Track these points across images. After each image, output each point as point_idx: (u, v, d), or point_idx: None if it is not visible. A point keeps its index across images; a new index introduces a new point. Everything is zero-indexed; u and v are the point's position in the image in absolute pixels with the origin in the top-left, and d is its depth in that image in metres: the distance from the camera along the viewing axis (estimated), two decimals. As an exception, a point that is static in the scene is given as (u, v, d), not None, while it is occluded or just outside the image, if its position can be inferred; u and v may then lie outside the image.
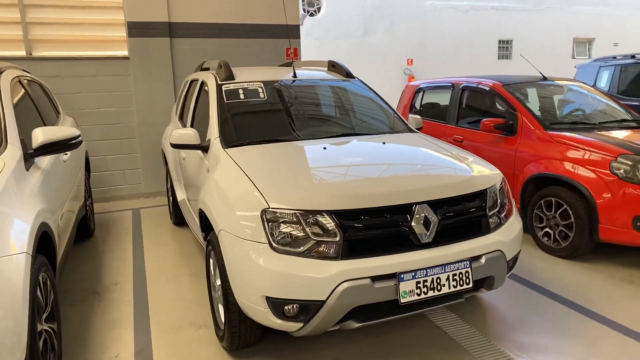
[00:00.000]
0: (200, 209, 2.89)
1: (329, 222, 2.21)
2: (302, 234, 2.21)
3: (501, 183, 2.74)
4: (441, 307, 2.61)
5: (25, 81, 3.72)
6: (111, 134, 6.27)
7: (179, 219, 5.01)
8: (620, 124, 4.46)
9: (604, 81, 6.74)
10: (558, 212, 3.94)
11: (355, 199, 2.26)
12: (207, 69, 4.77)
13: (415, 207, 2.31)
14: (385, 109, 3.83)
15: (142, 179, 6.47)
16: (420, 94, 6.12)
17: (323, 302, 2.15)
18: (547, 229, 4.07)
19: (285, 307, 2.20)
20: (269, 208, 2.26)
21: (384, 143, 3.06)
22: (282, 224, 2.23)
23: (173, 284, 3.71)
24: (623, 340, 2.78)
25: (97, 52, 6.12)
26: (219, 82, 3.61)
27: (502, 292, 3.40)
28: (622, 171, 3.56)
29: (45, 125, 3.65)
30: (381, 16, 14.51)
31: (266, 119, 3.48)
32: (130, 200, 6.37)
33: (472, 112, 5.20)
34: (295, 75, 3.84)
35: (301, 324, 2.24)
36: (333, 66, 4.27)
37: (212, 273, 2.81)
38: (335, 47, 12.59)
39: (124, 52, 6.25)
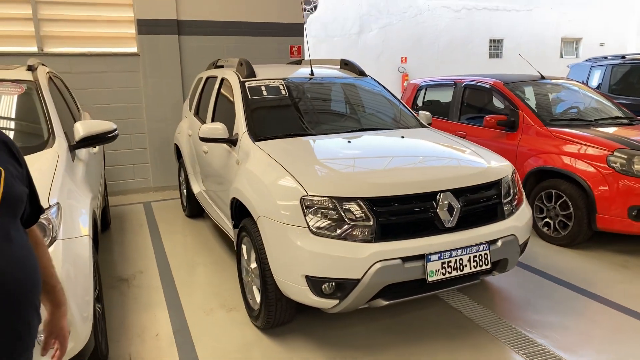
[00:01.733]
0: (233, 198, 3.08)
1: (363, 208, 2.43)
2: (338, 218, 2.42)
3: (512, 174, 2.98)
4: (457, 287, 2.84)
5: (53, 77, 3.87)
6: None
7: (193, 211, 5.19)
8: (614, 121, 4.75)
9: (595, 80, 7.06)
10: (558, 203, 4.21)
11: (386, 187, 2.48)
12: (222, 66, 4.95)
13: (439, 195, 2.54)
14: (398, 106, 4.05)
15: (150, 173, 6.61)
16: (422, 92, 6.36)
17: (358, 280, 2.37)
18: (547, 219, 4.34)
19: (323, 285, 2.42)
20: (307, 195, 2.47)
21: (402, 137, 3.28)
22: (319, 210, 2.44)
23: (197, 271, 3.89)
24: (620, 316, 3.05)
25: (107, 49, 6.24)
26: (242, 80, 3.80)
27: (508, 277, 3.65)
28: (618, 164, 3.84)
29: (74, 119, 3.81)
30: (376, 15, 14.76)
31: (289, 115, 3.67)
32: (139, 194, 6.51)
33: (474, 109, 5.46)
34: (312, 73, 4.04)
35: (337, 301, 2.45)
36: (345, 64, 4.48)
37: (245, 257, 3.01)
38: (331, 45, 12.82)
39: (134, 49, 6.38)
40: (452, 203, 2.55)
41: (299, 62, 5.37)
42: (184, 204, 5.44)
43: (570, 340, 2.78)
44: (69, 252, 2.03)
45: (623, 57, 6.71)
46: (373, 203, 2.44)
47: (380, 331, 2.91)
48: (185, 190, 5.24)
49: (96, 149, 3.85)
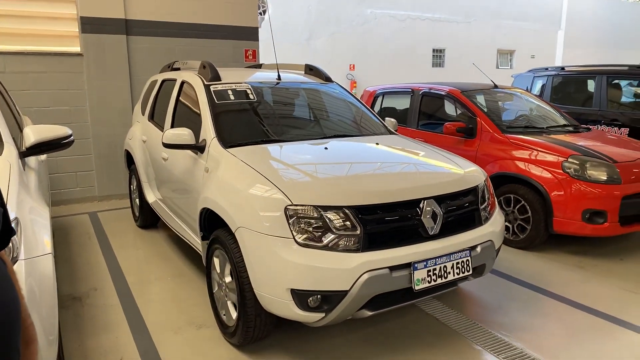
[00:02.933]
0: (204, 208, 2.91)
1: (349, 217, 2.36)
2: (324, 228, 2.34)
3: (485, 180, 3.04)
4: (438, 294, 2.83)
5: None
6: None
7: (146, 221, 4.89)
8: (563, 128, 5.02)
9: (537, 89, 7.46)
10: (516, 208, 4.37)
11: (373, 195, 2.43)
12: (178, 69, 4.72)
13: (423, 202, 2.52)
14: (366, 112, 4.04)
15: (95, 181, 6.19)
16: (380, 99, 6.43)
17: (346, 292, 2.29)
18: (506, 223, 4.49)
19: (309, 299, 2.31)
20: (292, 205, 2.36)
21: (377, 144, 3.25)
22: (305, 220, 2.34)
23: (157, 285, 3.65)
24: (582, 315, 3.19)
25: (47, 47, 5.78)
26: (206, 83, 3.62)
27: (474, 280, 3.72)
28: (572, 170, 4.04)
29: (18, 124, 3.46)
30: (325, 23, 14.85)
31: (258, 120, 3.54)
32: (83, 203, 6.07)
33: (431, 116, 5.57)
34: (279, 78, 3.93)
35: (323, 314, 2.36)
36: (310, 70, 4.41)
37: (218, 271, 2.84)
38: (280, 50, 12.72)
39: (77, 49, 5.95)
40: (435, 210, 2.55)
41: (258, 66, 5.23)
42: (135, 214, 5.12)
43: (542, 341, 2.85)
44: (33, 273, 1.79)
45: (562, 68, 7.15)
46: (360, 211, 2.37)
47: (360, 342, 2.84)
48: (137, 199, 4.93)
49: (44, 157, 3.51)
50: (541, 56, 19.53)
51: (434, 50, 17.57)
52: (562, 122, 5.22)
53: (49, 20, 5.74)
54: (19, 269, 1.74)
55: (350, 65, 15.61)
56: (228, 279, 2.73)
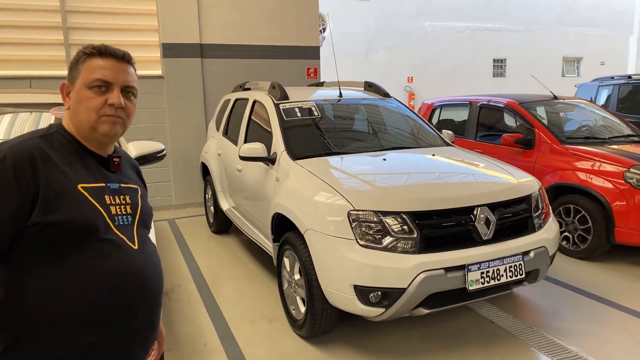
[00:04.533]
0: (276, 213, 3.26)
1: (407, 222, 2.61)
2: (383, 231, 2.60)
3: (539, 189, 3.17)
4: (491, 297, 2.99)
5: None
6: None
7: (220, 227, 5.36)
8: (627, 139, 4.95)
9: (602, 99, 7.29)
10: (576, 218, 4.39)
11: (429, 202, 2.67)
12: (249, 89, 5.18)
13: (477, 209, 2.73)
14: (423, 125, 4.26)
15: (173, 191, 6.81)
16: (437, 111, 6.59)
17: (404, 290, 2.54)
18: (566, 233, 4.51)
19: (371, 294, 2.58)
20: (354, 210, 2.65)
21: (433, 155, 3.48)
22: (366, 223, 2.62)
23: (232, 284, 4.05)
24: (646, 325, 3.20)
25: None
26: (276, 102, 4.01)
27: (532, 288, 3.80)
28: (634, 180, 4.03)
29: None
30: (383, 36, 15.14)
31: (323, 134, 3.88)
32: (162, 211, 6.69)
33: (489, 127, 5.68)
34: (340, 95, 4.26)
35: (383, 310, 2.61)
36: (370, 86, 4.71)
37: (288, 269, 3.18)
38: (339, 64, 13.16)
39: (158, 72, 6.64)
40: (489, 216, 2.74)
41: (320, 84, 5.61)
42: (209, 221, 5.61)
43: (599, 347, 2.92)
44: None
45: (629, 77, 6.97)
46: (416, 217, 2.62)
47: (418, 339, 3.06)
48: (212, 207, 5.42)
49: (138, 168, 4.04)
50: (611, 63, 18.64)
51: (494, 60, 17.32)
52: (627, 132, 5.15)
53: (137, 48, 6.46)
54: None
55: (408, 77, 15.77)
56: (297, 276, 3.05)
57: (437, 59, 16.16)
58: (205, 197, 5.79)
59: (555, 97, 5.56)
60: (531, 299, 3.64)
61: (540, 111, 5.32)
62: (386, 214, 2.62)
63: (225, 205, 4.98)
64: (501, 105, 5.49)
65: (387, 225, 2.61)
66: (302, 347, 2.99)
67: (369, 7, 15.37)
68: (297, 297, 3.07)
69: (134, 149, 3.15)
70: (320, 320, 2.87)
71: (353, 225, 2.63)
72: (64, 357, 1.12)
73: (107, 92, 1.25)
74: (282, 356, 2.91)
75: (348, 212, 2.65)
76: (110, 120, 1.25)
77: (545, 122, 5.05)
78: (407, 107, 4.49)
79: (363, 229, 2.62)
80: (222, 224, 5.34)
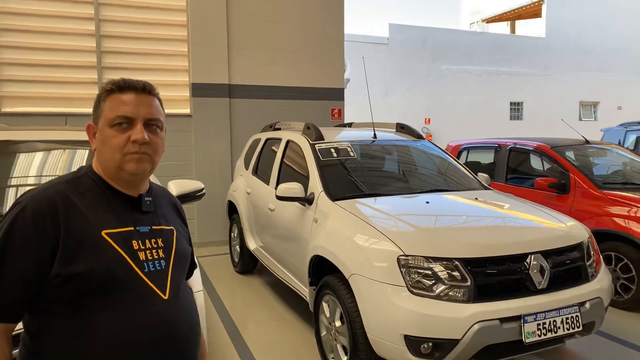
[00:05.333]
0: (315, 255, 3.18)
1: (460, 269, 2.51)
2: (435, 278, 2.51)
3: (589, 237, 3.07)
4: (544, 350, 2.84)
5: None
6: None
7: (245, 267, 5.27)
8: (665, 184, 4.84)
9: (629, 143, 7.23)
10: (618, 266, 4.23)
11: (482, 248, 2.58)
12: (279, 128, 5.21)
13: (531, 257, 2.62)
14: (459, 168, 4.21)
15: (196, 229, 6.76)
16: (464, 153, 6.56)
17: (458, 341, 2.41)
18: (607, 282, 4.33)
19: (422, 345, 2.45)
20: (403, 255, 2.56)
21: (476, 199, 3.41)
22: (416, 270, 2.53)
23: (262, 328, 3.92)
24: None
25: (165, 111, 6.59)
26: (312, 142, 4.01)
27: (578, 340, 3.62)
28: (680, 228, 3.89)
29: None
30: (401, 79, 15.40)
31: (360, 175, 3.84)
32: (185, 249, 6.61)
33: (520, 171, 5.61)
34: (375, 136, 4.26)
35: (434, 362, 2.48)
36: (402, 127, 4.70)
37: (327, 315, 3.06)
38: (358, 106, 13.36)
39: (187, 110, 6.74)
40: (543, 264, 2.63)
41: (349, 125, 5.64)
42: (234, 260, 5.52)
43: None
44: (199, 305, 2.14)
45: (657, 121, 6.92)
46: (470, 264, 2.52)
47: (465, 394, 2.89)
48: (237, 247, 5.35)
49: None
50: (628, 107, 18.68)
51: (511, 103, 17.47)
52: (663, 177, 5.04)
53: (167, 87, 6.60)
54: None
55: (425, 119, 15.91)
56: (338, 323, 2.93)
57: (453, 101, 16.35)
58: (230, 235, 5.73)
59: (587, 142, 5.50)
60: (578, 351, 3.45)
61: (572, 155, 5.26)
62: (438, 259, 2.53)
63: (252, 244, 4.91)
64: (531, 149, 5.44)
65: (439, 272, 2.51)
66: (344, 400, 2.84)
67: (387, 50, 15.72)
68: (338, 345, 2.95)
69: (174, 187, 3.12)
70: (364, 370, 2.73)
71: (402, 271, 2.54)
72: None
73: (129, 128, 1.18)
74: (323, 409, 2.75)
75: (397, 258, 2.57)
76: (135, 158, 1.17)
77: (579, 166, 4.98)
78: (441, 149, 4.46)
79: (413, 275, 2.53)
80: (247, 264, 5.25)
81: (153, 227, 1.23)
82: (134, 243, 1.15)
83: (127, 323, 1.07)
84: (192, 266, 1.48)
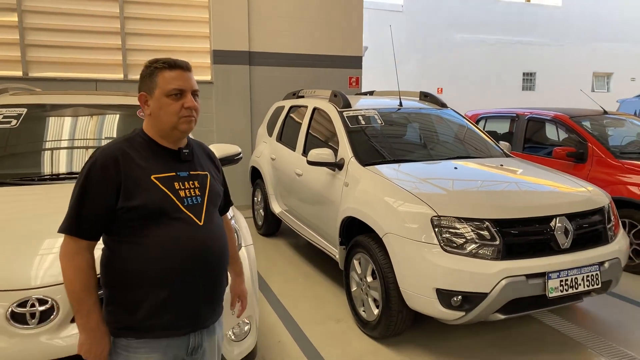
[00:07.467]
0: (347, 217, 3.37)
1: (490, 229, 2.69)
2: (467, 237, 2.69)
3: (610, 202, 3.23)
4: (564, 305, 3.05)
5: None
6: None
7: (269, 229, 5.49)
8: (681, 154, 4.96)
9: (645, 115, 7.29)
10: (632, 232, 4.40)
11: (511, 210, 2.75)
12: (302, 96, 5.32)
13: (556, 219, 2.80)
14: (481, 136, 4.34)
15: (217, 193, 6.96)
16: (482, 122, 6.66)
17: (486, 294, 2.61)
18: (620, 247, 4.52)
19: (453, 298, 2.66)
20: (437, 216, 2.74)
21: (502, 165, 3.56)
22: (449, 229, 2.71)
23: (291, 285, 4.15)
24: None
25: (185, 77, 6.69)
26: (340, 110, 4.13)
27: (591, 300, 3.83)
28: (694, 196, 4.04)
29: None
30: (414, 48, 15.27)
31: (388, 142, 3.98)
32: (207, 213, 6.84)
33: (537, 140, 5.73)
34: (400, 104, 4.37)
35: (463, 313, 2.69)
36: (425, 96, 4.81)
37: (359, 272, 3.27)
38: (372, 74, 13.34)
39: (208, 77, 6.83)
40: (567, 226, 2.81)
41: (370, 93, 5.74)
42: (258, 223, 5.73)
43: (671, 360, 2.95)
44: (247, 257, 2.35)
45: (675, 93, 6.96)
46: (499, 224, 2.70)
47: (487, 345, 3.12)
48: (261, 210, 5.55)
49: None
50: (642, 78, 18.50)
51: (524, 74, 17.34)
52: (679, 148, 5.15)
53: (188, 54, 6.67)
54: (242, 254, 2.27)
55: (438, 88, 15.85)
56: (370, 278, 3.14)
57: (467, 71, 16.24)
58: (253, 200, 5.93)
59: (605, 112, 5.59)
60: (592, 310, 3.67)
61: (589, 125, 5.35)
62: (469, 220, 2.71)
63: (277, 208, 5.10)
64: (549, 118, 5.54)
65: (470, 231, 2.69)
66: (376, 348, 3.07)
67: (401, 18, 15.53)
68: (369, 299, 3.16)
69: (215, 150, 3.27)
70: (395, 321, 2.95)
71: (436, 231, 2.72)
72: (146, 310, 1.43)
73: (181, 97, 1.49)
74: (357, 356, 2.99)
75: (431, 218, 2.74)
76: (187, 120, 1.50)
77: (597, 135, 5.09)
78: (464, 117, 4.57)
79: (446, 234, 2.71)
80: (271, 227, 5.46)
81: (191, 172, 1.56)
82: (176, 184, 1.50)
83: (172, 239, 1.45)
84: (228, 203, 1.85)
